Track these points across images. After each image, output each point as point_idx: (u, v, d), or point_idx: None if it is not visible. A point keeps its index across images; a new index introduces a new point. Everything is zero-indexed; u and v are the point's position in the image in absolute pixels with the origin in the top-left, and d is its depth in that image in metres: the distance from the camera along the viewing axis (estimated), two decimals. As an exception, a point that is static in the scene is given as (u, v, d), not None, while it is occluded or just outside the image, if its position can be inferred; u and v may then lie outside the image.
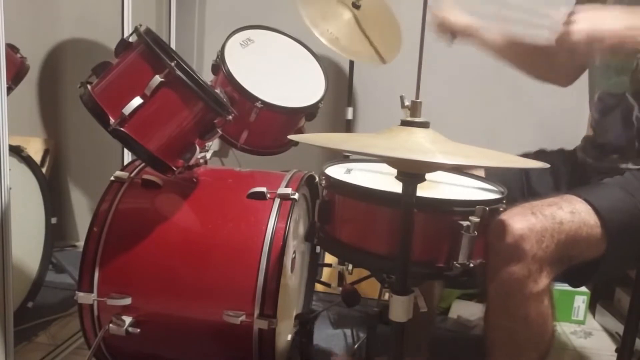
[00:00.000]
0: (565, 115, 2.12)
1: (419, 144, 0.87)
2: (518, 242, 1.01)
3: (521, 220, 1.02)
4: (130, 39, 1.24)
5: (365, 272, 1.82)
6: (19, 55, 1.77)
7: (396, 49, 1.90)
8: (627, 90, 1.25)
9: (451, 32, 1.52)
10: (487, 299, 1.08)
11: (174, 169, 1.23)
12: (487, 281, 1.04)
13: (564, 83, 1.52)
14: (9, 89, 1.36)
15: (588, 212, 1.07)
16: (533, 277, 1.02)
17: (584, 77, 1.47)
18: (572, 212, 1.06)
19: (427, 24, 1.79)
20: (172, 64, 1.14)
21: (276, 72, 1.77)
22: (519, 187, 1.35)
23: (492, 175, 1.29)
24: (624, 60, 1.24)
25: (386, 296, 1.63)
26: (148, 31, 1.19)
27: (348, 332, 1.78)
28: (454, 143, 0.91)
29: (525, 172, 1.35)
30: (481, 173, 1.30)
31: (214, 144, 1.80)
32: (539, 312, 1.04)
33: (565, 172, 1.36)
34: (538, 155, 1.41)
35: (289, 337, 1.45)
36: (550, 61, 1.49)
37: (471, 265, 0.99)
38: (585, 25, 1.03)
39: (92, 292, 1.25)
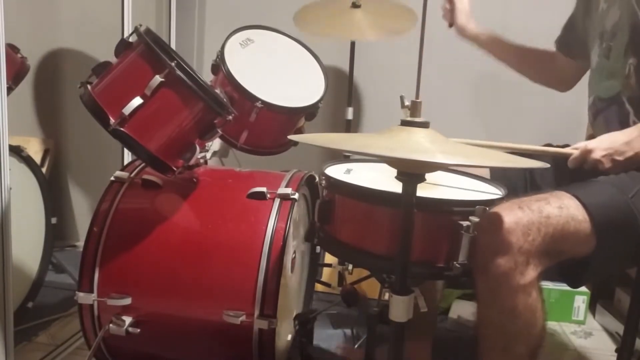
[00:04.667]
0: (566, 115, 2.12)
1: (418, 144, 0.87)
2: (504, 235, 1.01)
3: (508, 214, 1.03)
4: (130, 39, 1.24)
5: (365, 272, 1.82)
6: (19, 55, 1.77)
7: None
8: (617, 94, 1.26)
9: (452, 20, 1.57)
10: (477, 293, 1.08)
11: (174, 169, 1.23)
12: (476, 276, 1.04)
13: (563, 89, 1.57)
14: (9, 89, 1.36)
15: (576, 207, 1.07)
16: (519, 270, 1.02)
17: (585, 78, 1.48)
18: (560, 207, 1.06)
19: (427, 24, 1.79)
20: (172, 64, 1.14)
21: (276, 72, 1.77)
22: (522, 183, 1.35)
23: (496, 172, 1.29)
24: (616, 65, 1.25)
25: (386, 296, 1.63)
26: (148, 31, 1.19)
27: (348, 332, 1.79)
28: (454, 143, 0.91)
29: (529, 168, 1.35)
30: (485, 172, 1.30)
31: (214, 144, 1.81)
32: (526, 304, 1.04)
33: (569, 169, 1.37)
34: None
35: (289, 337, 1.45)
36: (547, 67, 1.52)
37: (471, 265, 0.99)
38: (602, 144, 1.18)
39: (92, 292, 1.25)
